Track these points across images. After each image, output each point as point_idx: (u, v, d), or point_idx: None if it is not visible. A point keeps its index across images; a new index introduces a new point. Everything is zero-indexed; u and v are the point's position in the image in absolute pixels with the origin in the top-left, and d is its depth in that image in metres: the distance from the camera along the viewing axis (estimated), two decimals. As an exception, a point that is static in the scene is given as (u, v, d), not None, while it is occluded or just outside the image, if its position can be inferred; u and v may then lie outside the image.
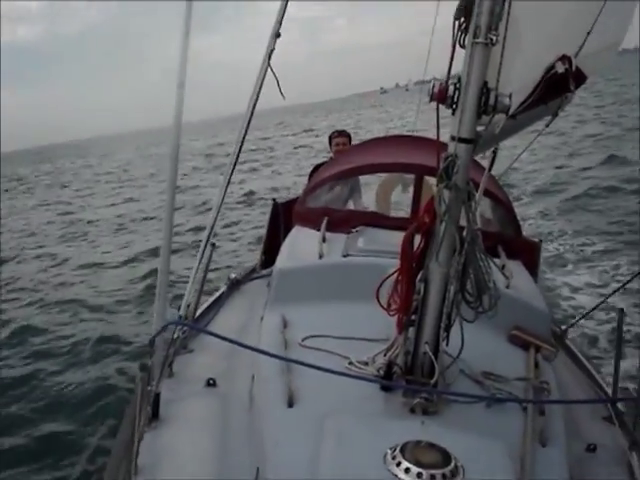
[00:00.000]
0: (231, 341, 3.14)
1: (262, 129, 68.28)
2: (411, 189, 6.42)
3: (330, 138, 7.98)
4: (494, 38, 2.91)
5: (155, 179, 37.91)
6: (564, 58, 3.63)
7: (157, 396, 3.39)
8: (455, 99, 3.02)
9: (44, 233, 24.10)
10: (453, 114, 3.05)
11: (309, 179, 7.67)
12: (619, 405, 4.04)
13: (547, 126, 4.47)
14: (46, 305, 13.26)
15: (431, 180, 5.78)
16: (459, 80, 3.01)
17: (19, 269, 17.68)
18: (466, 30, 3.00)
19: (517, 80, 3.41)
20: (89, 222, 25.15)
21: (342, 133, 7.95)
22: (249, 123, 4.72)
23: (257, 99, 4.61)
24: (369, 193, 7.36)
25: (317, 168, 7.71)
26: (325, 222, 5.26)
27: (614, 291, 5.47)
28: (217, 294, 5.77)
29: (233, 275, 6.14)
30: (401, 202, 7.05)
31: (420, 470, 2.43)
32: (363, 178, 7.04)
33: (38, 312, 12.88)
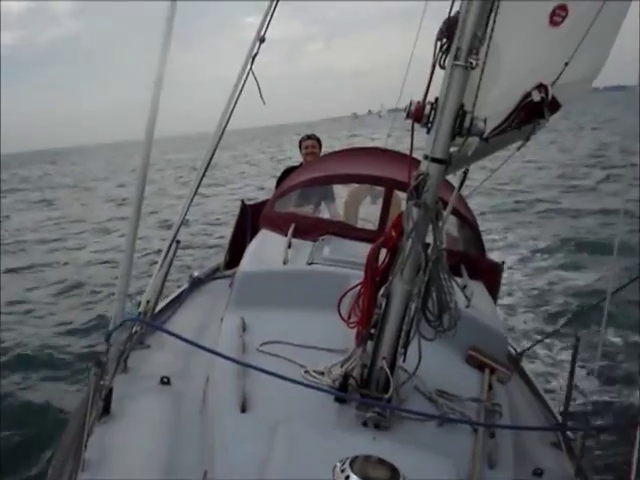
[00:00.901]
0: (187, 341, 3.10)
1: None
2: (380, 201, 6.45)
3: (300, 142, 8.01)
4: (474, 62, 2.95)
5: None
6: (541, 87, 3.67)
7: (110, 391, 3.36)
8: (431, 119, 3.05)
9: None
10: (427, 133, 3.08)
11: (277, 183, 7.67)
12: (568, 432, 4.10)
13: (518, 150, 4.52)
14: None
15: (401, 194, 5.81)
16: (436, 100, 3.04)
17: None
18: (447, 51, 3.03)
19: (493, 105, 3.44)
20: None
21: (311, 136, 7.99)
22: (225, 129, 4.66)
23: (236, 103, 4.55)
24: (337, 202, 7.36)
25: (287, 172, 7.72)
26: (292, 228, 5.25)
27: (569, 319, 5.55)
28: (178, 291, 5.73)
29: (195, 273, 6.12)
30: (369, 214, 7.06)
31: None
32: (327, 187, 7.05)
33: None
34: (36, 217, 28.60)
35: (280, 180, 7.67)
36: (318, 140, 7.95)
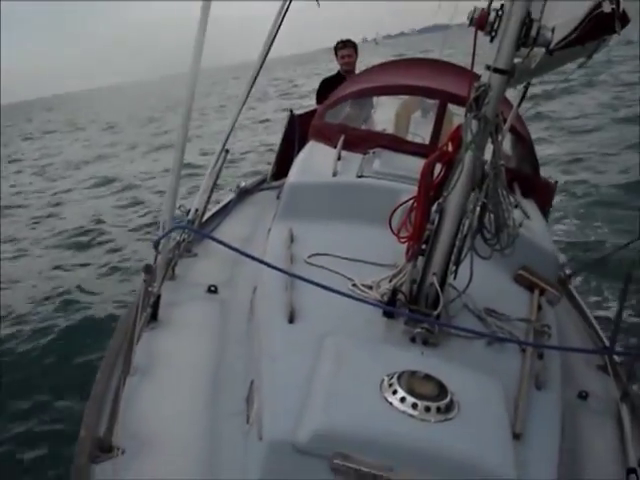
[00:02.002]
0: (236, 250, 3.07)
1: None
2: (430, 116, 6.28)
3: (335, 49, 7.69)
4: None
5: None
6: None
7: (158, 298, 3.38)
8: (495, 27, 2.90)
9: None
10: (491, 42, 2.93)
11: (317, 94, 7.50)
12: (615, 356, 4.05)
13: (580, 67, 4.33)
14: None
15: (453, 109, 5.66)
16: (502, 7, 2.88)
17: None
18: None
19: (562, 14, 3.27)
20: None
21: (347, 43, 7.66)
22: (269, 49, 4.63)
23: (282, 21, 4.50)
24: (387, 114, 7.18)
25: (325, 82, 7.54)
26: (342, 140, 5.14)
27: (627, 243, 5.40)
28: (225, 201, 5.71)
29: (242, 184, 6.08)
30: (418, 127, 6.89)
31: (415, 401, 2.42)
32: (383, 99, 6.88)
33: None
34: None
35: (319, 91, 7.50)
36: (354, 46, 7.66)
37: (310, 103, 9.04)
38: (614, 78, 28.62)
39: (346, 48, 7.58)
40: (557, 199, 6.31)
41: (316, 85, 7.77)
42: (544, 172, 5.98)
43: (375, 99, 6.79)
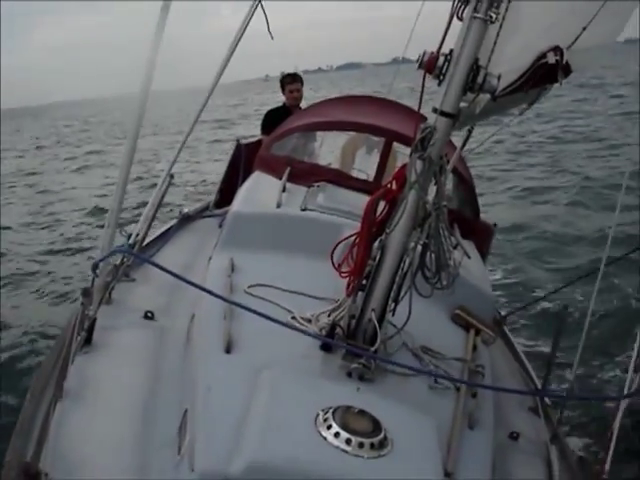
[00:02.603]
0: (176, 276, 3.03)
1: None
2: (374, 153, 6.35)
3: (282, 83, 7.71)
4: (494, 16, 2.88)
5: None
6: (556, 49, 3.60)
7: (93, 321, 3.32)
8: (444, 71, 2.97)
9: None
10: (439, 85, 3.01)
11: (262, 125, 7.51)
12: (546, 398, 4.11)
13: (520, 114, 4.46)
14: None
15: (398, 148, 5.74)
16: (451, 52, 2.96)
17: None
18: (467, 3, 2.95)
19: (507, 63, 3.37)
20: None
21: (295, 77, 7.67)
22: (226, 65, 4.64)
23: (239, 41, 4.54)
24: (333, 149, 7.25)
25: (270, 114, 7.57)
26: (287, 172, 5.16)
27: (561, 287, 5.54)
28: (166, 227, 5.66)
29: (185, 210, 6.04)
30: (363, 164, 6.96)
31: (349, 436, 2.42)
32: (329, 134, 6.93)
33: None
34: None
35: (265, 122, 7.52)
36: (301, 80, 7.68)
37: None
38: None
39: (294, 83, 7.60)
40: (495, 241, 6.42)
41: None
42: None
43: (322, 133, 6.84)
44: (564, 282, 5.48)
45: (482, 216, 5.96)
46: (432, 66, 2.99)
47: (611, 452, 3.15)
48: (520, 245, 12.09)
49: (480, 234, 5.53)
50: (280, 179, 5.08)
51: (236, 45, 4.54)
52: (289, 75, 7.73)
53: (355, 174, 6.17)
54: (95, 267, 3.48)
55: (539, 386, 4.30)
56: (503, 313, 6.08)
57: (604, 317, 8.36)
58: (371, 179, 5.55)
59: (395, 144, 5.59)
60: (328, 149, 7.15)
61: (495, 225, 6.24)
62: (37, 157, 34.29)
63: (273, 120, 6.96)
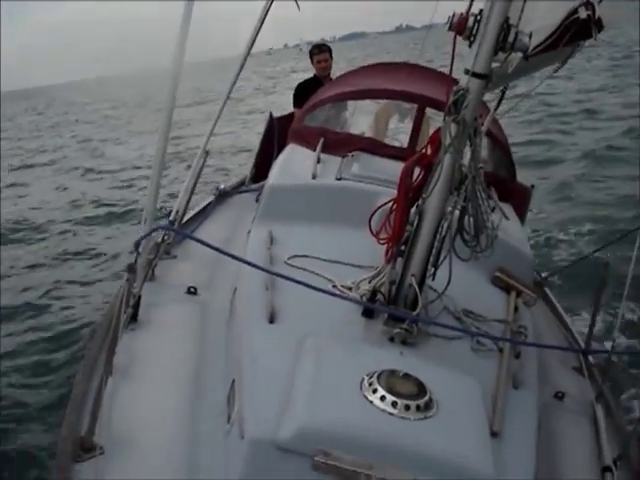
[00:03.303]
0: (216, 249, 3.08)
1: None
2: (407, 120, 6.32)
3: (311, 54, 7.75)
4: None
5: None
6: (588, 3, 3.54)
7: (138, 299, 3.38)
8: (474, 32, 2.94)
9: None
10: (470, 47, 2.98)
11: (294, 98, 7.52)
12: (590, 357, 4.11)
13: (555, 72, 4.40)
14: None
15: (431, 113, 5.70)
16: (480, 12, 2.93)
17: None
18: None
19: (538, 20, 3.33)
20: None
21: (322, 48, 7.73)
22: (253, 44, 4.68)
23: (264, 20, 4.60)
24: (365, 118, 7.23)
25: (302, 86, 7.57)
26: (321, 143, 5.17)
27: (602, 246, 5.49)
28: (204, 204, 5.72)
29: (222, 186, 6.09)
30: (397, 131, 6.94)
31: (395, 399, 2.46)
32: (361, 103, 6.91)
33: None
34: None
35: (296, 95, 7.53)
36: (329, 50, 7.72)
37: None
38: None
39: (322, 53, 7.63)
40: (533, 203, 6.37)
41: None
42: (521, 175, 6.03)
43: (354, 103, 6.82)
44: (603, 243, 5.42)
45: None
46: (462, 27, 2.96)
47: None
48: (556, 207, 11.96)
49: (518, 196, 5.49)
50: (314, 150, 5.09)
51: (265, 17, 4.57)
52: (316, 46, 7.80)
53: (389, 141, 6.15)
54: (137, 245, 3.54)
55: (583, 345, 4.29)
56: (545, 274, 6.05)
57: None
58: (405, 146, 5.53)
59: (428, 110, 5.56)
60: (361, 118, 7.12)
61: (533, 186, 6.19)
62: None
63: (304, 92, 6.96)
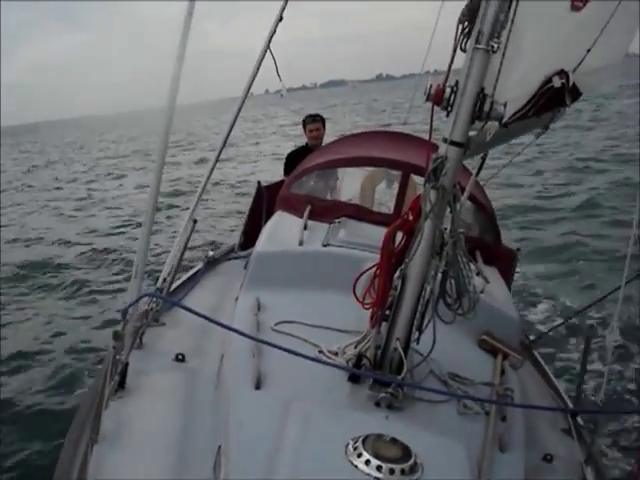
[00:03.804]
0: (204, 317, 3.13)
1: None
2: (395, 186, 6.44)
3: (304, 123, 7.96)
4: (495, 46, 2.96)
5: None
6: (562, 73, 3.65)
7: (125, 366, 3.39)
8: (451, 102, 3.05)
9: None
10: (447, 116, 3.08)
11: (285, 166, 7.68)
12: (579, 419, 4.10)
13: (537, 138, 4.50)
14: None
15: (417, 179, 5.82)
16: (457, 84, 3.04)
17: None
18: (469, 35, 3.03)
19: (513, 90, 3.43)
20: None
21: (316, 119, 7.92)
22: (243, 104, 4.79)
23: (253, 80, 4.69)
24: (352, 186, 7.37)
25: (293, 154, 7.74)
26: (308, 210, 5.26)
27: (585, 307, 5.54)
28: (193, 271, 5.76)
29: (211, 253, 6.14)
30: (384, 197, 7.06)
31: (380, 463, 2.46)
32: (348, 170, 7.05)
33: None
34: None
35: (287, 164, 7.68)
36: (322, 121, 7.94)
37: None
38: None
39: (314, 122, 7.85)
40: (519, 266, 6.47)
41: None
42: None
43: (341, 170, 6.95)
44: (588, 302, 5.49)
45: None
46: (439, 98, 3.07)
47: None
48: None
49: (503, 259, 5.56)
50: (301, 217, 5.17)
51: (261, 61, 4.74)
52: (310, 116, 8.04)
53: (377, 208, 6.25)
54: (125, 312, 3.56)
55: (571, 406, 4.29)
56: (532, 337, 6.08)
57: (630, 332, 8.39)
58: (391, 212, 5.62)
59: (415, 176, 5.67)
60: (348, 185, 7.24)
61: (518, 250, 6.27)
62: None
63: (295, 161, 7.10)
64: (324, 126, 7.91)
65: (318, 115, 8.08)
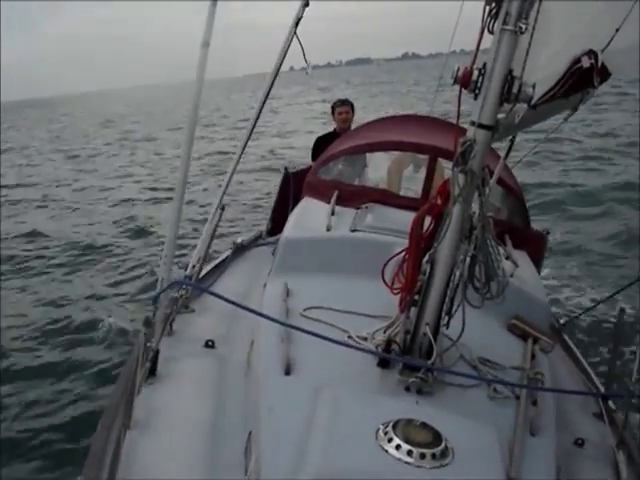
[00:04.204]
0: (234, 303, 3.15)
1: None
2: (423, 170, 6.42)
3: (333, 108, 8.02)
4: (523, 27, 2.92)
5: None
6: (590, 53, 3.61)
7: (156, 353, 3.43)
8: (479, 84, 3.02)
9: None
10: (475, 99, 3.06)
11: (313, 151, 7.69)
12: (610, 402, 4.08)
13: (566, 120, 4.46)
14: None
15: (444, 163, 5.78)
16: (484, 66, 3.01)
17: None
18: (496, 16, 3.00)
19: (541, 71, 3.40)
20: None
21: (345, 102, 7.99)
22: (271, 88, 4.81)
23: (281, 64, 4.72)
24: (380, 170, 7.35)
25: (320, 140, 7.74)
26: (335, 195, 5.26)
27: (616, 291, 5.49)
28: (221, 257, 5.79)
29: (239, 240, 6.17)
30: (411, 182, 7.04)
31: (411, 448, 2.47)
32: (375, 155, 7.03)
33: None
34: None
35: (315, 149, 7.70)
36: (351, 105, 7.98)
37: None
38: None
39: (343, 105, 7.92)
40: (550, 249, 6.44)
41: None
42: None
43: (368, 155, 6.94)
44: (618, 286, 5.45)
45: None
46: (467, 81, 3.04)
47: None
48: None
49: (533, 243, 5.52)
50: (329, 203, 5.17)
51: (289, 43, 4.76)
52: (339, 100, 8.12)
53: (404, 192, 6.23)
54: (155, 300, 3.59)
55: (602, 390, 4.26)
56: (562, 321, 6.04)
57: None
58: (419, 196, 5.60)
59: (442, 160, 5.64)
60: (375, 170, 7.24)
61: (548, 232, 6.22)
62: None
63: (322, 146, 7.12)
64: (353, 111, 7.94)
65: (347, 100, 8.14)
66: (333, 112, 7.99)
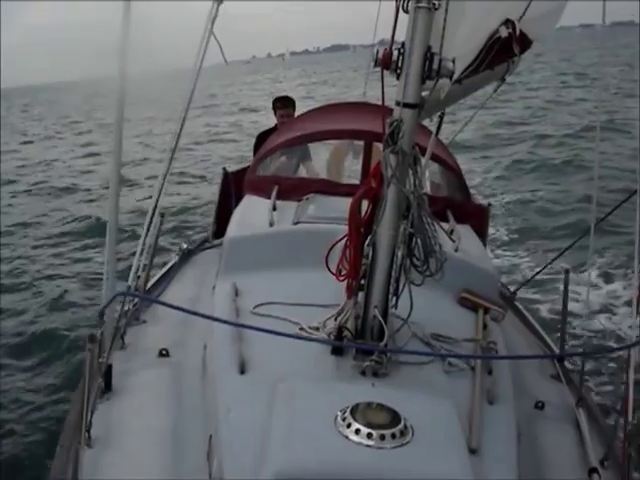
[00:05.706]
0: (181, 309, 3.13)
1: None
2: (361, 156, 6.45)
3: (274, 105, 7.85)
4: (437, 3, 2.94)
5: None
6: (508, 22, 3.66)
7: (109, 368, 3.38)
8: (399, 64, 3.03)
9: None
10: (397, 79, 3.07)
11: (254, 148, 7.61)
12: (566, 363, 4.16)
13: (495, 91, 4.52)
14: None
15: (381, 146, 5.81)
16: (403, 45, 3.03)
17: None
18: None
19: (461, 45, 3.44)
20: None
21: (286, 104, 7.80)
22: (193, 92, 4.76)
23: (202, 64, 4.67)
24: (323, 161, 7.34)
25: (261, 136, 7.65)
26: (275, 190, 5.24)
27: (560, 253, 5.59)
28: (168, 265, 5.75)
29: (185, 245, 6.12)
30: (354, 169, 7.05)
31: (370, 431, 2.48)
32: (313, 146, 7.02)
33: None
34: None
35: (256, 145, 7.60)
36: (293, 102, 7.86)
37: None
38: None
39: (284, 109, 7.68)
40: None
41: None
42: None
43: (310, 146, 6.92)
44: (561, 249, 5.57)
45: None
46: (388, 61, 3.05)
47: (631, 401, 3.18)
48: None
49: (475, 216, 5.57)
50: (270, 199, 5.15)
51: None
52: (280, 99, 7.89)
53: (347, 181, 6.24)
54: (101, 314, 3.54)
55: (557, 352, 4.34)
56: (512, 288, 6.13)
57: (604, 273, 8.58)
58: (358, 182, 5.62)
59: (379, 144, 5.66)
60: (318, 161, 7.23)
61: (490, 205, 6.30)
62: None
63: (264, 142, 7.03)
64: (294, 107, 7.79)
65: (289, 98, 7.94)
66: (274, 108, 7.82)
